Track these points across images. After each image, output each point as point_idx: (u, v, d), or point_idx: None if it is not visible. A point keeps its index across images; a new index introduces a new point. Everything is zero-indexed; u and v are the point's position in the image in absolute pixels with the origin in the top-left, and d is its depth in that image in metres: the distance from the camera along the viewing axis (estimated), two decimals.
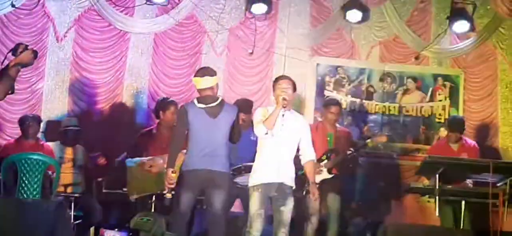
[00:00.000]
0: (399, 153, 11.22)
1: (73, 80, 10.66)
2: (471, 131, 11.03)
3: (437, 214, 7.92)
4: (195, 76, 7.53)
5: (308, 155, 7.39)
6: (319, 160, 8.70)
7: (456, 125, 9.38)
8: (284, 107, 7.03)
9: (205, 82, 7.38)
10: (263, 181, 7.11)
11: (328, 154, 8.78)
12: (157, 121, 9.30)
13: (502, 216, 7.78)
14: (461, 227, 8.12)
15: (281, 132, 7.12)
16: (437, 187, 7.85)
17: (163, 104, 9.17)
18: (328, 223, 8.79)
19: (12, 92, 6.25)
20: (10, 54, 6.26)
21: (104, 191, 8.81)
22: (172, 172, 7.21)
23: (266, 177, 7.13)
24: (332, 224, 8.79)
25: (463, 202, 8.15)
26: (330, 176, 8.76)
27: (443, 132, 10.99)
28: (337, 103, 9.37)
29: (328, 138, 8.93)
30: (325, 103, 9.40)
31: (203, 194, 7.55)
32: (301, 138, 7.34)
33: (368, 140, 9.17)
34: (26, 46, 6.22)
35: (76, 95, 10.65)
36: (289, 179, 7.23)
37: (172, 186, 7.28)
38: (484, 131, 11.27)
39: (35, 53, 6.28)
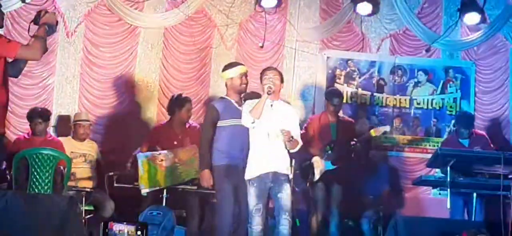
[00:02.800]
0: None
1: (84, 75, 10.67)
2: (482, 123, 11.01)
3: (448, 206, 7.89)
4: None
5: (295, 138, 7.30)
6: (323, 151, 8.73)
7: (465, 121, 9.37)
8: (269, 94, 7.07)
9: None
10: (257, 173, 7.14)
11: (332, 145, 8.79)
12: (169, 117, 9.37)
13: None
14: (473, 219, 8.10)
15: (271, 123, 7.14)
16: (448, 179, 7.83)
17: (179, 101, 9.23)
18: (330, 215, 8.82)
19: (46, 50, 6.42)
20: (32, 24, 6.48)
21: (115, 185, 8.81)
22: None
23: (259, 169, 7.16)
24: (334, 215, 8.83)
25: (474, 194, 8.15)
26: (333, 167, 8.77)
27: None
28: (339, 94, 9.39)
29: (332, 129, 8.93)
30: (327, 95, 9.41)
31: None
32: (291, 126, 7.25)
33: (372, 130, 9.16)
34: (46, 11, 6.41)
35: (87, 90, 10.66)
36: (283, 168, 7.24)
37: None
38: (495, 123, 11.24)
39: (56, 17, 6.52)
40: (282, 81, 7.42)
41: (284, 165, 7.27)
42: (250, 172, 7.23)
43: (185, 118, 9.30)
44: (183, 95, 9.49)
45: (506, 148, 10.16)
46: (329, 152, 8.77)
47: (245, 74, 7.80)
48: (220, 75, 7.90)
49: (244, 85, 7.75)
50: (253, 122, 7.10)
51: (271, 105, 7.23)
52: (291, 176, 7.37)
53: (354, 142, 8.85)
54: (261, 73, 7.44)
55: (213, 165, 7.61)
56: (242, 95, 7.78)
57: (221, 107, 7.69)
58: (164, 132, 9.25)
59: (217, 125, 7.64)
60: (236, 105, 7.66)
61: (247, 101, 7.38)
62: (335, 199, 8.86)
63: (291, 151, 7.34)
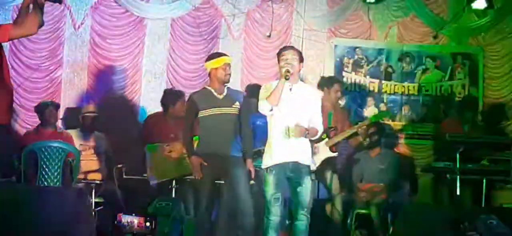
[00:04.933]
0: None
1: (91, 67, 10.69)
2: (491, 109, 11.00)
3: (458, 192, 7.89)
4: None
5: (315, 124, 6.97)
6: (319, 138, 8.67)
7: (469, 106, 9.37)
8: (287, 79, 6.65)
9: None
10: (276, 161, 6.76)
11: (328, 133, 8.74)
12: (163, 110, 9.36)
13: None
14: (482, 205, 8.11)
15: (291, 108, 6.77)
16: (457, 166, 7.83)
17: (172, 96, 9.23)
18: (332, 204, 8.77)
19: (42, 25, 6.29)
20: None
21: (124, 177, 8.82)
22: None
23: (278, 157, 6.77)
24: (337, 204, 8.78)
25: (484, 180, 8.14)
26: (330, 154, 8.75)
27: None
28: (338, 80, 9.35)
29: (328, 117, 8.90)
30: (327, 82, 9.33)
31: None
32: (312, 111, 6.95)
33: (371, 116, 9.18)
34: None
35: (94, 82, 10.67)
36: (305, 158, 6.86)
37: None
38: (504, 109, 11.23)
39: None
40: (301, 60, 6.97)
41: (305, 155, 6.89)
42: (268, 160, 6.84)
43: (180, 112, 9.27)
44: (176, 89, 9.51)
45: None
46: (326, 139, 8.73)
47: (229, 65, 7.56)
48: (204, 65, 7.75)
49: (228, 76, 7.52)
50: (271, 110, 6.71)
51: (290, 89, 6.80)
52: (313, 167, 7.11)
53: (364, 126, 8.83)
54: (278, 54, 6.99)
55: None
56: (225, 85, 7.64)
57: (200, 98, 7.58)
58: (157, 125, 9.23)
59: (199, 115, 7.53)
60: (216, 94, 7.51)
61: (264, 86, 7.05)
62: (333, 187, 8.82)
63: (312, 139, 7.06)
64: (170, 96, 9.29)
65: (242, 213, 7.25)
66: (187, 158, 8.30)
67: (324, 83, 9.35)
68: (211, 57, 7.73)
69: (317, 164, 8.85)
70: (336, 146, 8.86)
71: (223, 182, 7.68)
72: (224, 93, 7.53)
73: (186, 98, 8.95)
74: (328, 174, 8.84)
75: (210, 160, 7.39)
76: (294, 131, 6.71)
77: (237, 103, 7.48)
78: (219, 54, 7.84)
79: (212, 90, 7.56)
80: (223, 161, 7.36)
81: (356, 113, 11.04)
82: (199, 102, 7.53)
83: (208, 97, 7.54)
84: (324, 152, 9.14)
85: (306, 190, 6.81)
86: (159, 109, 9.69)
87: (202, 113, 7.48)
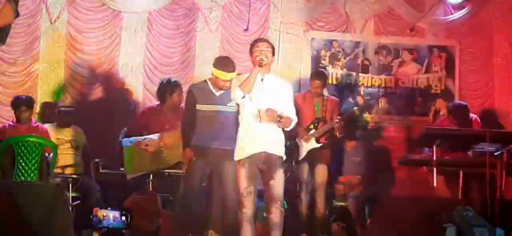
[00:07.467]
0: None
1: (68, 61, 10.63)
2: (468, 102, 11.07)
3: (435, 184, 7.93)
4: None
5: (288, 114, 6.92)
6: (307, 129, 8.69)
7: (460, 113, 9.41)
8: (260, 66, 6.66)
9: None
10: (248, 153, 6.76)
11: (315, 123, 8.76)
12: (159, 102, 9.30)
13: (501, 185, 7.80)
14: (460, 197, 8.14)
15: (262, 99, 6.75)
16: (434, 158, 7.86)
17: (169, 87, 9.16)
18: (316, 195, 8.76)
19: (18, 15, 6.24)
20: None
21: (101, 171, 8.80)
22: None
23: (250, 149, 6.78)
24: (320, 195, 8.76)
25: (461, 172, 8.18)
26: (318, 145, 8.75)
27: (440, 103, 11.09)
28: (320, 77, 9.24)
29: (315, 108, 8.90)
30: (310, 75, 9.36)
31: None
32: (283, 102, 6.89)
33: (355, 108, 9.19)
34: None
35: (71, 76, 10.62)
36: (277, 149, 6.87)
37: None
38: (481, 101, 11.31)
39: None
40: (273, 53, 6.98)
41: (277, 146, 6.88)
42: (240, 152, 6.83)
43: (177, 102, 9.23)
44: (173, 80, 9.47)
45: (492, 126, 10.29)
46: (313, 130, 8.75)
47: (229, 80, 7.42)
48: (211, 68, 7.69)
49: (226, 86, 7.49)
50: (243, 97, 6.69)
51: (262, 79, 6.80)
52: (284, 158, 7.00)
53: (337, 120, 8.82)
54: (251, 45, 6.97)
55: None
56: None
57: (198, 91, 7.67)
58: (154, 117, 9.18)
59: (196, 107, 7.60)
60: (214, 90, 7.58)
61: (236, 77, 7.14)
62: (319, 179, 8.80)
63: (285, 129, 6.98)
64: (167, 87, 9.24)
65: (227, 208, 7.37)
66: (164, 151, 8.34)
67: (311, 76, 9.33)
68: (219, 64, 7.60)
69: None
70: (323, 136, 8.85)
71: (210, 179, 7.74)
72: (222, 91, 7.56)
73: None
74: (318, 167, 8.79)
75: (202, 153, 7.47)
76: (265, 115, 6.71)
77: (234, 102, 7.33)
78: (227, 67, 7.57)
79: (211, 86, 7.64)
80: (214, 154, 7.45)
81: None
82: (197, 95, 7.63)
83: (206, 93, 7.63)
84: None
85: (279, 182, 6.80)
86: (137, 102, 9.67)
87: (198, 107, 7.59)
